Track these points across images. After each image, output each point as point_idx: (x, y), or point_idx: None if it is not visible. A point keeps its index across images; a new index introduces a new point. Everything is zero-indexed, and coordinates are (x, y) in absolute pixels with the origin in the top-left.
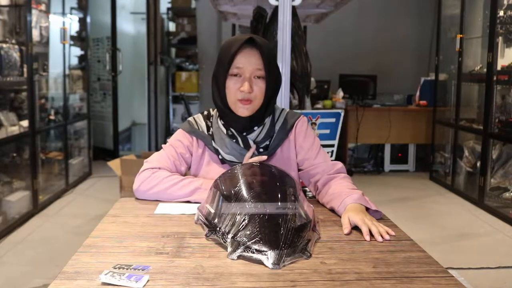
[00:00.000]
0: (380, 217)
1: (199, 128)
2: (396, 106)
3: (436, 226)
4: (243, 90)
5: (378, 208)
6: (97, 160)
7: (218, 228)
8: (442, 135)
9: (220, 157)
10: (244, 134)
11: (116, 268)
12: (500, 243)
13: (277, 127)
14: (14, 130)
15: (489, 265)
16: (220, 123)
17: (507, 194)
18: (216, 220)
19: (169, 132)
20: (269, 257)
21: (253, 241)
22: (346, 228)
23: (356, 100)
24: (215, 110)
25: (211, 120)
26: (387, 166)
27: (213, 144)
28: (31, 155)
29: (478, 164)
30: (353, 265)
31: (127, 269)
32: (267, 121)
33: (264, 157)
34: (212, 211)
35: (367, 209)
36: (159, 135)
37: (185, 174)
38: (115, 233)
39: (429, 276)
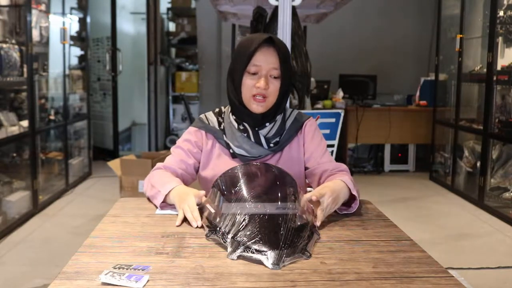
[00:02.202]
0: (353, 210)
1: (209, 123)
2: (396, 106)
3: (436, 226)
4: (259, 86)
5: (359, 201)
6: (97, 160)
7: (218, 228)
8: (442, 135)
9: (231, 151)
10: (256, 129)
11: (116, 268)
12: (500, 243)
13: (288, 124)
14: (14, 130)
15: (489, 265)
16: (232, 118)
17: (507, 194)
18: (216, 220)
19: (169, 132)
20: (269, 257)
21: (253, 241)
22: (314, 196)
23: (356, 100)
24: (227, 107)
25: (222, 116)
26: (387, 166)
27: (224, 138)
28: (31, 155)
29: (478, 164)
30: (353, 265)
31: (127, 269)
32: (278, 118)
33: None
34: (213, 211)
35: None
36: (159, 135)
37: (195, 168)
38: (115, 233)
39: (429, 276)
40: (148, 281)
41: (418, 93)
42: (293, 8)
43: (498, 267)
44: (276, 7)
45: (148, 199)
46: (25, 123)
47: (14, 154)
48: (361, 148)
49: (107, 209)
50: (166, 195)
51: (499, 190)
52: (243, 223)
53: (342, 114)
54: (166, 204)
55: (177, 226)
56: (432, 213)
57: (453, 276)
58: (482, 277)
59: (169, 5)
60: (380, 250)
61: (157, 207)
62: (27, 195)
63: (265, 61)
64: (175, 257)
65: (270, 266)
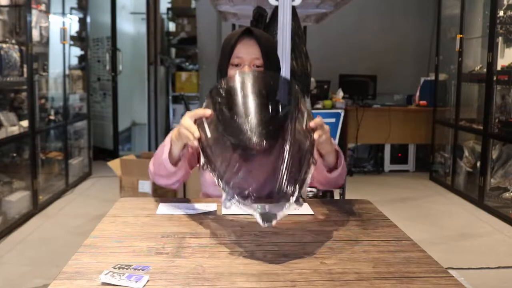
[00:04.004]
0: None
1: None
2: (396, 106)
3: (436, 226)
4: None
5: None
6: (97, 160)
7: (212, 165)
8: (442, 135)
9: None
10: None
11: (116, 268)
12: (500, 243)
13: None
14: (14, 130)
15: (489, 265)
16: None
17: (507, 194)
18: (210, 151)
19: (169, 132)
20: (261, 214)
21: (246, 192)
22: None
23: (356, 100)
24: None
25: None
26: (387, 166)
27: None
28: (31, 155)
29: (478, 164)
30: (353, 265)
31: (127, 269)
32: None
33: None
34: (209, 134)
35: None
36: (159, 135)
37: (193, 154)
38: (115, 233)
39: (429, 276)
40: (148, 281)
41: (418, 93)
42: (293, 8)
43: (498, 267)
44: (276, 7)
45: (156, 177)
46: (25, 123)
47: (14, 154)
48: (361, 148)
49: (107, 209)
50: (170, 150)
51: (499, 190)
52: (237, 164)
53: (342, 114)
54: (175, 167)
55: (197, 137)
56: (432, 213)
57: (453, 276)
58: (482, 277)
59: (169, 5)
60: (380, 250)
61: (164, 177)
62: (27, 195)
63: (246, 53)
64: (175, 257)
65: (262, 224)
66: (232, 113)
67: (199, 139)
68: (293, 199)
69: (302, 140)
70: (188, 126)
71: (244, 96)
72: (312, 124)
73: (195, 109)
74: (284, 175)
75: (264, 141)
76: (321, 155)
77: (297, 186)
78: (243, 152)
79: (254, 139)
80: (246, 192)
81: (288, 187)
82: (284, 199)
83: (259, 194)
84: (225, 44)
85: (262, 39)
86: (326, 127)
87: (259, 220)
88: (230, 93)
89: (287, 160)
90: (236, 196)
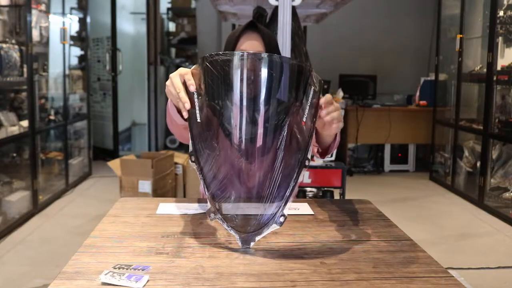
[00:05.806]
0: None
1: None
2: (396, 106)
3: (436, 226)
4: None
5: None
6: (97, 160)
7: (199, 167)
8: (442, 135)
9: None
10: None
11: (116, 268)
12: (500, 243)
13: None
14: (14, 130)
15: (489, 265)
16: None
17: (507, 194)
18: (198, 144)
19: (169, 132)
20: (240, 236)
21: (229, 215)
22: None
23: (356, 100)
24: None
25: None
26: (387, 166)
27: None
28: (31, 155)
29: (478, 164)
30: (353, 265)
31: (127, 269)
32: None
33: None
34: (198, 119)
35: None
36: (159, 135)
37: None
38: (115, 233)
39: (429, 276)
40: (148, 281)
41: (418, 93)
42: (293, 8)
43: (498, 267)
44: (276, 7)
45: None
46: (25, 123)
47: (14, 154)
48: (361, 148)
49: (107, 209)
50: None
51: (499, 190)
52: (224, 181)
53: (342, 114)
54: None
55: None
56: (432, 213)
57: (453, 276)
58: (482, 277)
59: (169, 5)
60: (380, 250)
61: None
62: (27, 195)
63: (249, 45)
64: (175, 257)
65: (240, 245)
66: (222, 114)
67: (189, 111)
68: (273, 221)
69: (297, 145)
70: (178, 87)
71: (239, 92)
72: (322, 113)
73: (186, 70)
74: (269, 199)
75: (253, 161)
76: (318, 132)
77: (280, 207)
78: (231, 167)
79: (244, 158)
80: (229, 215)
81: (271, 211)
82: (265, 226)
83: (241, 218)
84: (230, 37)
85: (265, 33)
86: (336, 112)
87: (238, 241)
88: (222, 78)
89: (274, 180)
90: (219, 214)
